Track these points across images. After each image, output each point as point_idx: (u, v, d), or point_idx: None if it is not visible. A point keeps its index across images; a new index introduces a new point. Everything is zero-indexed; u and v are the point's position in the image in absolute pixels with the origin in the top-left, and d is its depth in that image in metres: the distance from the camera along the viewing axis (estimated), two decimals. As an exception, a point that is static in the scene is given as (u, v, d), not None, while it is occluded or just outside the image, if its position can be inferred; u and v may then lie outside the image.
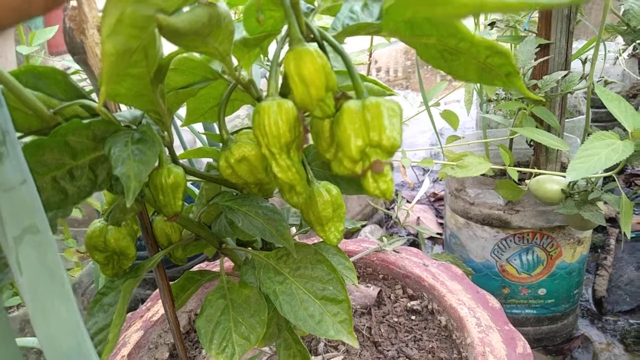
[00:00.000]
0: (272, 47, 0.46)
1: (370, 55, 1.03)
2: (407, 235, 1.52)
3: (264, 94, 0.38)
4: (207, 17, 0.29)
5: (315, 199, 0.41)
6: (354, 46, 1.09)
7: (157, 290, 0.87)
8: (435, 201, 1.77)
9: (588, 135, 0.90)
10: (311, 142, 0.37)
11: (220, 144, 0.42)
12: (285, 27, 0.35)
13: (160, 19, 0.25)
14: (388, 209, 1.68)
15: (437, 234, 1.52)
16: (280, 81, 0.36)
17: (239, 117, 1.60)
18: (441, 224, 1.66)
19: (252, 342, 0.41)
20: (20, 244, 0.25)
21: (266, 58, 0.48)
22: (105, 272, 0.43)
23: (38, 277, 0.26)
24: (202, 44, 0.31)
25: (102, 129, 0.34)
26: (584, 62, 0.94)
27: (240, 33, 0.39)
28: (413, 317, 0.81)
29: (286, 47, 0.33)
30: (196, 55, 0.42)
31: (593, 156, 0.77)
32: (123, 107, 0.42)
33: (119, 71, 0.24)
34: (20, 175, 0.25)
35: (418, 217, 1.60)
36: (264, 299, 0.46)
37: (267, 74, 0.38)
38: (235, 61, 0.38)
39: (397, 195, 1.79)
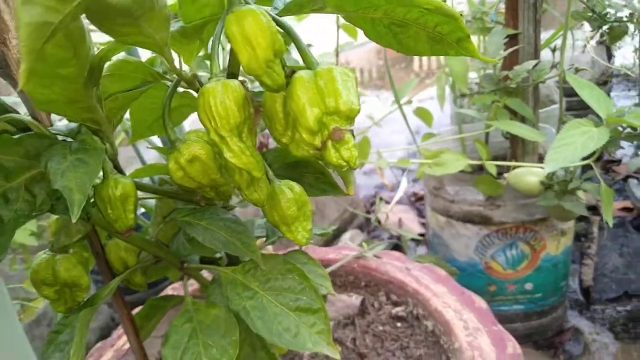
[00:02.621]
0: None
1: (337, 56, 1.01)
2: (390, 238, 1.50)
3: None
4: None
5: (277, 197, 0.38)
6: (320, 48, 1.07)
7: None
8: (416, 201, 1.75)
9: (563, 124, 0.89)
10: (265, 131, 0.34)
11: None
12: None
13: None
14: (368, 212, 1.65)
15: (420, 234, 1.49)
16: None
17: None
18: (423, 223, 1.64)
19: (225, 366, 0.38)
20: None
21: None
22: (57, 308, 0.39)
23: None
24: (136, 30, 0.28)
25: (36, 144, 0.30)
26: (553, 51, 0.93)
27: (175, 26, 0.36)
28: (399, 324, 0.78)
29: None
30: (132, 58, 0.38)
31: (569, 145, 0.76)
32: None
33: (39, 46, 0.22)
34: None
35: (400, 218, 1.58)
36: (234, 318, 0.42)
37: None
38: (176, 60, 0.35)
39: (381, 199, 1.77)
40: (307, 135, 0.29)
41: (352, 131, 0.30)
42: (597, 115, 0.81)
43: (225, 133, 0.30)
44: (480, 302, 0.74)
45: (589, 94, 0.80)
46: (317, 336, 0.41)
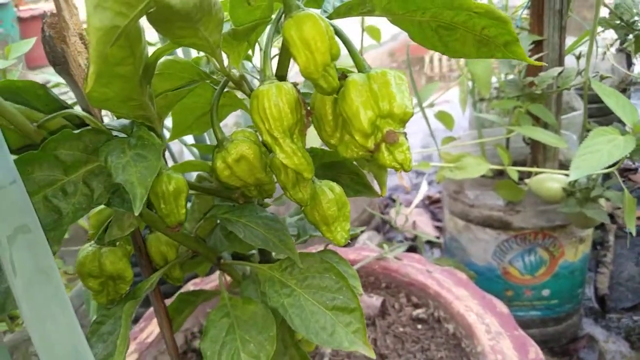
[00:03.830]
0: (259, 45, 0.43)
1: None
2: (404, 240, 1.50)
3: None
4: (198, -2, 0.26)
5: (319, 197, 0.39)
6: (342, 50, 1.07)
7: (151, 309, 0.83)
8: (430, 204, 1.75)
9: (587, 131, 0.89)
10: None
11: (209, 156, 0.40)
12: (274, 15, 0.33)
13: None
14: (382, 214, 1.66)
15: (435, 237, 1.49)
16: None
17: (226, 125, 1.57)
18: (437, 227, 1.64)
19: (263, 361, 0.38)
20: (13, 243, 0.25)
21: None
22: (99, 299, 0.40)
23: (33, 278, 0.26)
24: (193, 33, 0.29)
25: (94, 139, 0.31)
26: (578, 58, 0.92)
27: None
28: (419, 327, 0.78)
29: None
30: (181, 57, 0.39)
31: (595, 153, 0.76)
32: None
33: (107, 50, 0.22)
34: (10, 175, 0.25)
35: (414, 221, 1.58)
36: (272, 314, 0.43)
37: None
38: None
39: (393, 200, 1.77)
40: (360, 138, 0.30)
41: (405, 134, 0.30)
42: (620, 122, 0.81)
43: (278, 134, 0.31)
44: (502, 307, 0.75)
45: (615, 102, 0.80)
46: (353, 335, 0.41)
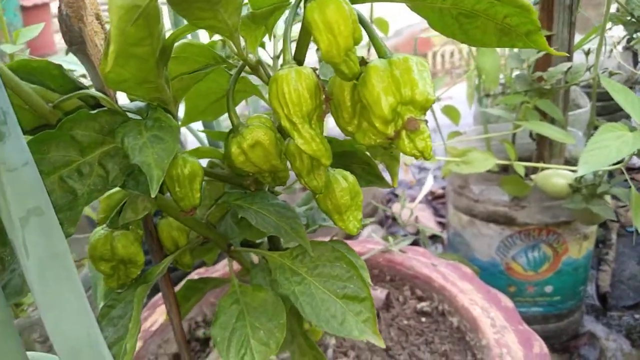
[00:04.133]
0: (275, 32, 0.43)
1: (368, 50, 1.01)
2: (406, 235, 1.50)
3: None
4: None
5: (332, 186, 0.39)
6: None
7: (154, 298, 0.83)
8: (433, 199, 1.75)
9: (594, 128, 0.88)
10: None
11: (219, 143, 0.39)
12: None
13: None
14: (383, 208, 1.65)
15: (440, 232, 1.49)
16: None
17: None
18: (439, 222, 1.64)
19: (272, 349, 0.38)
20: (26, 225, 0.24)
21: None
22: (109, 283, 0.40)
23: (45, 261, 0.25)
24: (212, 15, 0.28)
25: (110, 121, 0.31)
26: (587, 54, 0.92)
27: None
28: (423, 319, 0.78)
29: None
30: (197, 41, 0.39)
31: (603, 149, 0.75)
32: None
33: (128, 28, 0.22)
34: (23, 157, 0.24)
35: (416, 216, 1.58)
36: (282, 302, 0.43)
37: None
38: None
39: (396, 195, 1.76)
40: (380, 125, 0.30)
41: (426, 121, 0.30)
42: (628, 118, 0.81)
43: (297, 120, 0.30)
44: (507, 301, 0.75)
45: (624, 98, 0.79)
46: (363, 324, 0.41)
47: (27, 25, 0.74)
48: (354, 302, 0.42)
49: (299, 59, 0.35)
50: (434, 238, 1.50)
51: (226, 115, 0.52)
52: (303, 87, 0.30)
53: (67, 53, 0.65)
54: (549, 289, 1.07)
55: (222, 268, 0.85)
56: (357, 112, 0.33)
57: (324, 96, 0.32)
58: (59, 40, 3.20)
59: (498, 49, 1.04)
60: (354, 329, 0.41)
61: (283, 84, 0.30)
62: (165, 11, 0.44)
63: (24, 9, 3.81)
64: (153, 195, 0.28)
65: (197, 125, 0.81)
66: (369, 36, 0.32)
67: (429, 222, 1.60)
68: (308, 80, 0.31)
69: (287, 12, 0.36)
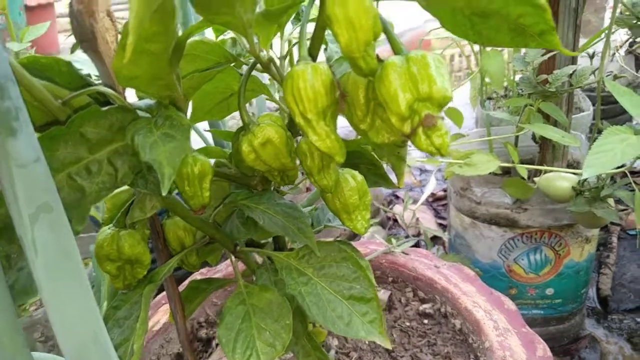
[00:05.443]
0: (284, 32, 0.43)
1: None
2: (408, 236, 1.50)
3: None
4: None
5: (341, 185, 0.39)
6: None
7: (157, 298, 0.83)
8: (433, 201, 1.75)
9: (598, 131, 0.88)
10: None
11: (224, 143, 0.39)
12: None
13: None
14: (386, 212, 1.65)
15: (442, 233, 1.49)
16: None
17: (233, 118, 1.56)
18: (440, 224, 1.64)
19: (278, 350, 0.38)
20: (35, 222, 0.24)
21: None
22: (116, 284, 0.40)
23: (54, 258, 0.25)
24: (228, 10, 0.28)
25: (120, 118, 0.31)
26: (591, 57, 0.92)
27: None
28: (426, 321, 0.78)
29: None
30: (209, 38, 0.39)
31: (608, 152, 0.75)
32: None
33: (146, 20, 0.22)
34: (34, 153, 0.24)
35: (417, 218, 1.58)
36: (288, 303, 0.42)
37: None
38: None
39: (397, 197, 1.76)
40: (397, 121, 0.29)
41: (443, 118, 0.30)
42: (630, 121, 0.80)
43: (312, 116, 0.30)
44: (509, 304, 0.74)
45: (629, 101, 0.79)
46: (369, 325, 0.41)
47: (31, 25, 0.74)
48: (361, 302, 0.42)
49: (313, 55, 0.35)
50: (435, 240, 1.50)
51: (230, 116, 0.52)
52: (319, 83, 0.30)
53: (72, 52, 0.65)
54: (550, 291, 1.07)
55: (224, 269, 0.85)
56: (370, 110, 0.33)
57: (338, 92, 0.32)
58: (62, 40, 3.20)
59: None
60: (361, 329, 0.41)
61: (299, 80, 0.30)
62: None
63: (28, 8, 3.81)
64: (164, 194, 0.27)
65: (201, 125, 0.81)
66: (385, 32, 0.32)
67: (430, 224, 1.60)
68: (324, 77, 0.30)
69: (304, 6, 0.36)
